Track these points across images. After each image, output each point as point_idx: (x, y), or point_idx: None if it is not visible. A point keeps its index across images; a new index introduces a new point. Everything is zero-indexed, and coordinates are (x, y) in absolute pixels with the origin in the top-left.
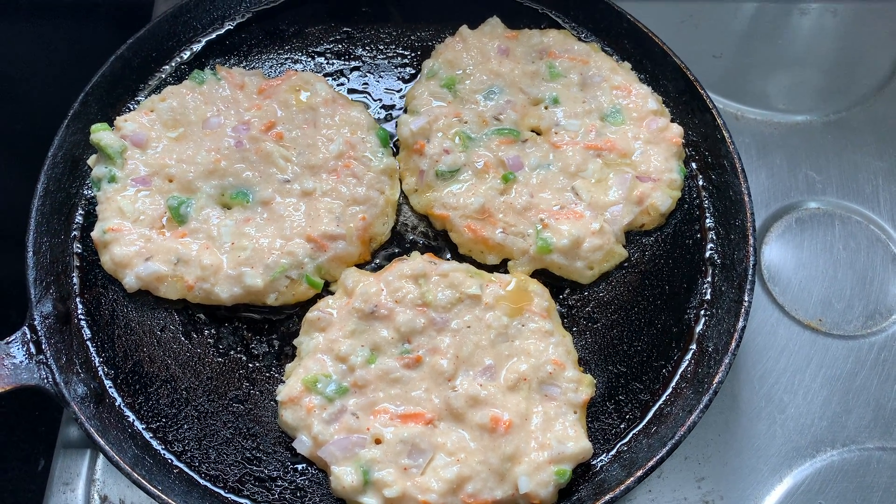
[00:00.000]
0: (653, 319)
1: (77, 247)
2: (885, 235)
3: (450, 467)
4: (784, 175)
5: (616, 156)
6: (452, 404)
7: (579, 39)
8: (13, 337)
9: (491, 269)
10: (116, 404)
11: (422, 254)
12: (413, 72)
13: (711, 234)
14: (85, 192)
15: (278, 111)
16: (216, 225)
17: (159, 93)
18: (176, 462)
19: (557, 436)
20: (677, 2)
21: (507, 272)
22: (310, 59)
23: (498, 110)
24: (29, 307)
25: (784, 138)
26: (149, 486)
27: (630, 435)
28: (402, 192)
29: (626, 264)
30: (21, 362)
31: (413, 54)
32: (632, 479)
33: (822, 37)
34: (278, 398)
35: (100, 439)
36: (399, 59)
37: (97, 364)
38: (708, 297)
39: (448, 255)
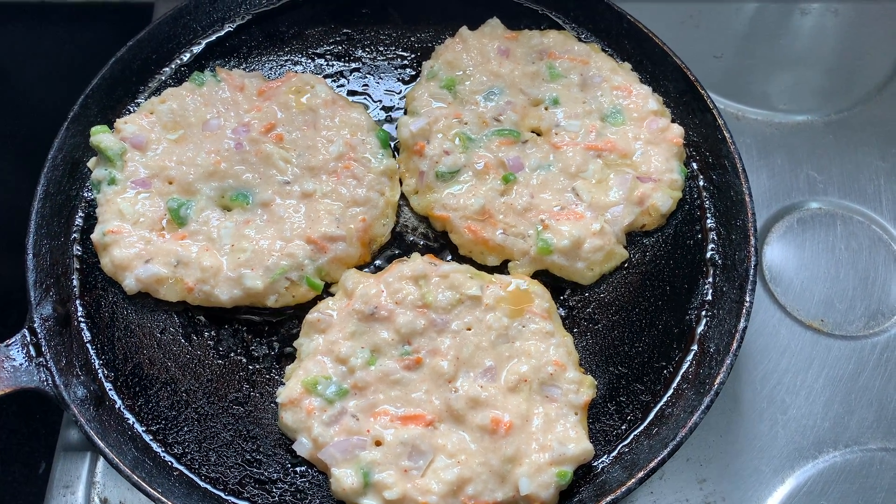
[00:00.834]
0: (654, 320)
1: (77, 249)
2: (888, 235)
3: (450, 469)
4: (785, 175)
5: (616, 156)
6: (453, 406)
7: (579, 40)
8: (13, 339)
9: (491, 270)
10: (116, 407)
11: (422, 255)
12: (413, 73)
13: (712, 235)
14: (85, 194)
15: (278, 113)
16: (216, 227)
17: (159, 95)
18: (176, 464)
19: (558, 437)
20: (678, 2)
21: (507, 273)
22: (310, 61)
23: (498, 111)
24: (29, 310)
25: (785, 138)
26: (149, 488)
27: (631, 436)
28: (402, 193)
29: (626, 265)
30: (21, 365)
31: (413, 56)
32: (633, 480)
33: (823, 37)
34: (278, 400)
35: (100, 442)
36: (399, 60)
37: (97, 366)
38: (709, 297)
39: (448, 257)
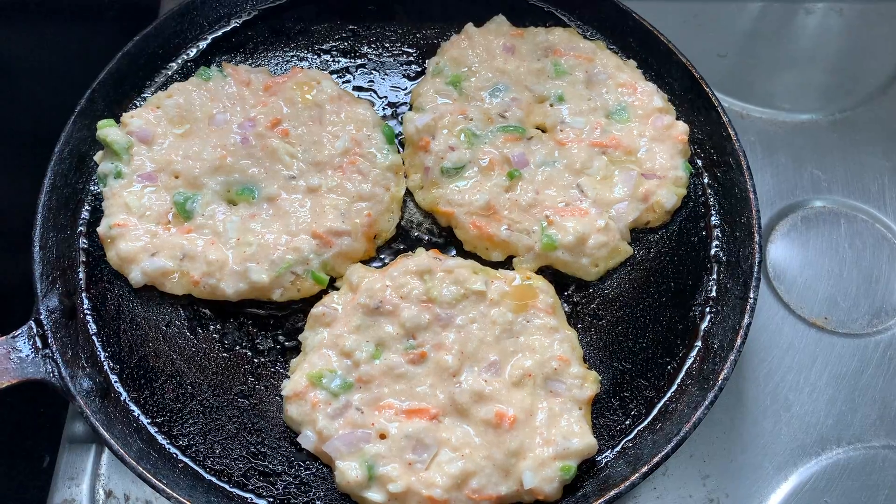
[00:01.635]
0: (658, 316)
1: (83, 242)
2: (891, 234)
3: (454, 462)
4: (789, 174)
5: (621, 153)
6: (457, 400)
7: (585, 37)
8: (19, 331)
9: (496, 265)
10: (122, 399)
11: (427, 250)
12: (418, 70)
13: (717, 232)
14: (91, 188)
15: (284, 108)
16: (222, 221)
17: (165, 89)
18: (181, 456)
19: (562, 432)
20: (683, 1)
21: (512, 269)
22: (316, 57)
23: (503, 107)
24: (35, 302)
25: (789, 137)
26: (154, 479)
27: (635, 431)
28: (407, 188)
29: (631, 261)
30: (27, 356)
31: (418, 52)
32: (637, 475)
33: (828, 36)
34: (283, 393)
35: (105, 433)
36: (405, 56)
37: (103, 359)
38: (713, 294)
39: (453, 252)
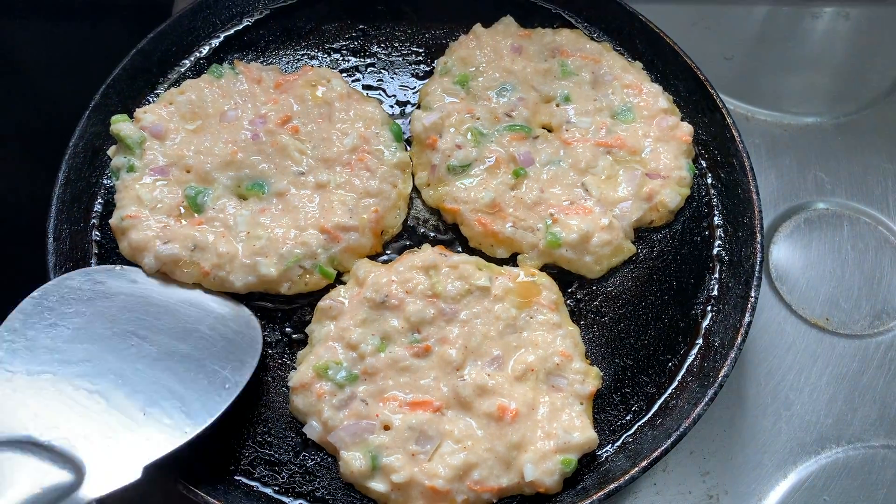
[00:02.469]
0: (660, 314)
1: (96, 234)
2: (894, 237)
3: (457, 454)
4: (793, 176)
5: (626, 153)
6: (460, 393)
7: (592, 39)
8: None
9: (501, 262)
10: None
11: (433, 246)
12: (427, 69)
13: (719, 231)
14: (104, 181)
15: (294, 105)
16: (232, 214)
17: (178, 86)
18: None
19: (563, 426)
20: (690, 4)
21: (516, 266)
22: (326, 56)
23: (510, 107)
24: None
25: (794, 139)
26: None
27: (635, 426)
28: (414, 186)
29: (634, 259)
30: None
31: (427, 52)
32: (636, 469)
33: (834, 40)
34: (290, 384)
35: None
36: (413, 56)
37: None
38: (715, 293)
39: (459, 249)
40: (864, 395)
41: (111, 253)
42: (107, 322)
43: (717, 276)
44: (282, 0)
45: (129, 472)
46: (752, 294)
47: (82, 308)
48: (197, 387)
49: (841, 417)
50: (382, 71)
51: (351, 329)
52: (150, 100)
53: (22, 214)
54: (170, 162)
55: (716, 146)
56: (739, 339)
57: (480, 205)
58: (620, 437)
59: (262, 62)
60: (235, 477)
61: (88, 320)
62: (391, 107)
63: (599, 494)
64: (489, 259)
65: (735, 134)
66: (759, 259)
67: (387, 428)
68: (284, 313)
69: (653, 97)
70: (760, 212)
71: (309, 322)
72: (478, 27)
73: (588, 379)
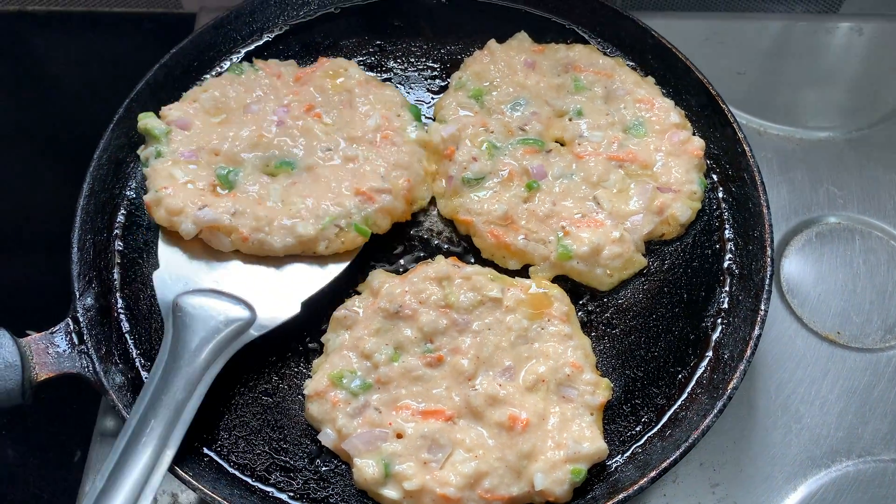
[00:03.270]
0: (670, 326)
1: (118, 245)
2: None
3: (468, 463)
4: (805, 190)
5: (638, 167)
6: (472, 402)
7: (604, 54)
8: (57, 327)
9: (513, 273)
10: None
11: (446, 258)
12: (442, 84)
13: (730, 245)
14: (127, 192)
15: (316, 95)
16: (265, 187)
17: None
18: (206, 450)
19: (574, 436)
20: (703, 19)
21: (528, 277)
22: None
23: (523, 121)
24: (72, 300)
25: (806, 154)
26: (180, 472)
27: (645, 437)
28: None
29: (645, 272)
30: (64, 351)
31: (442, 67)
32: (645, 479)
33: (847, 55)
34: (305, 392)
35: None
36: (429, 71)
37: (134, 356)
38: (725, 305)
39: (471, 260)
40: (874, 408)
41: (133, 263)
42: None
43: (727, 289)
44: (300, 16)
45: (291, 308)
46: (762, 307)
47: None
48: None
49: (851, 431)
50: (399, 86)
51: (365, 338)
52: None
53: (47, 224)
54: (198, 147)
55: (727, 160)
56: (749, 352)
57: (493, 217)
58: (630, 447)
59: None
60: (252, 482)
61: None
62: None
63: None
64: (501, 271)
65: (746, 148)
66: (769, 272)
67: (399, 436)
68: (301, 322)
69: (665, 112)
70: (771, 225)
71: (324, 331)
72: (492, 43)
73: (598, 390)
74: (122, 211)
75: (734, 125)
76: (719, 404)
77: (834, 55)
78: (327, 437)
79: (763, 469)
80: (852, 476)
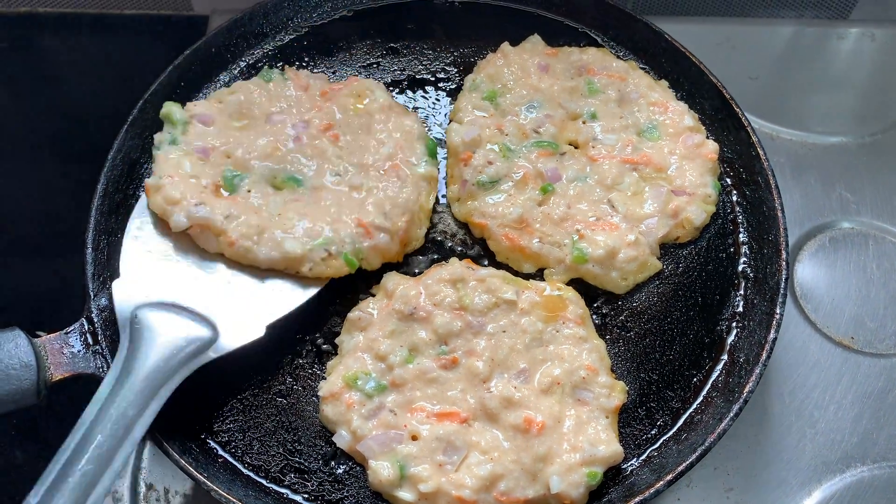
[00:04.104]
0: (685, 330)
1: None
2: None
3: (483, 465)
4: (818, 195)
5: (652, 170)
6: (487, 405)
7: (618, 57)
8: (72, 328)
9: (527, 277)
10: None
11: (460, 260)
12: (454, 87)
13: (745, 248)
14: (140, 193)
15: (337, 114)
16: (265, 198)
17: (229, 87)
18: (221, 452)
19: (589, 439)
20: (715, 24)
21: (543, 280)
22: (357, 74)
23: (537, 124)
24: (87, 301)
25: (819, 159)
26: (195, 473)
27: (661, 441)
28: (446, 199)
29: (659, 275)
30: (79, 351)
31: (456, 70)
32: (661, 482)
33: (860, 61)
34: (320, 394)
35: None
36: (443, 73)
37: None
38: (740, 309)
39: (486, 263)
40: (889, 413)
41: None
42: None
43: (742, 292)
44: (314, 19)
45: (254, 330)
46: (777, 311)
47: None
48: None
49: (866, 436)
50: (410, 90)
51: (380, 340)
52: None
53: (62, 225)
54: (212, 145)
55: (741, 164)
56: (764, 356)
57: (508, 220)
58: (645, 450)
59: None
60: (266, 484)
61: None
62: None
63: None
64: (516, 273)
65: (760, 152)
66: (784, 276)
67: (415, 438)
68: (315, 323)
69: (678, 115)
70: (785, 229)
71: (339, 333)
72: (505, 45)
73: (614, 393)
74: None
75: (748, 129)
76: (735, 408)
77: (846, 61)
78: (342, 439)
79: (777, 474)
80: (867, 481)
